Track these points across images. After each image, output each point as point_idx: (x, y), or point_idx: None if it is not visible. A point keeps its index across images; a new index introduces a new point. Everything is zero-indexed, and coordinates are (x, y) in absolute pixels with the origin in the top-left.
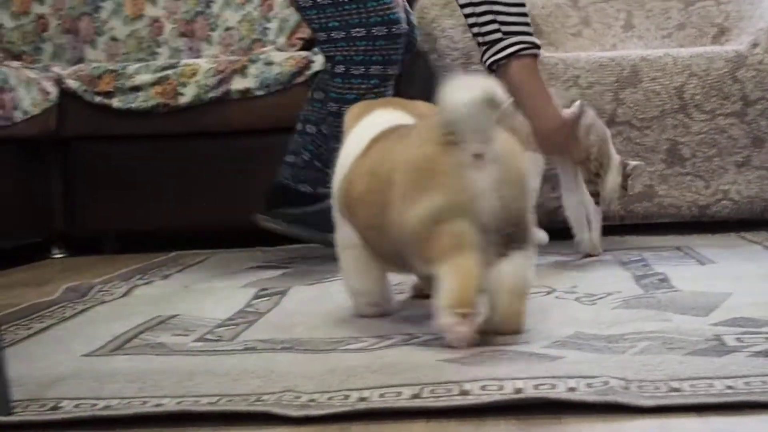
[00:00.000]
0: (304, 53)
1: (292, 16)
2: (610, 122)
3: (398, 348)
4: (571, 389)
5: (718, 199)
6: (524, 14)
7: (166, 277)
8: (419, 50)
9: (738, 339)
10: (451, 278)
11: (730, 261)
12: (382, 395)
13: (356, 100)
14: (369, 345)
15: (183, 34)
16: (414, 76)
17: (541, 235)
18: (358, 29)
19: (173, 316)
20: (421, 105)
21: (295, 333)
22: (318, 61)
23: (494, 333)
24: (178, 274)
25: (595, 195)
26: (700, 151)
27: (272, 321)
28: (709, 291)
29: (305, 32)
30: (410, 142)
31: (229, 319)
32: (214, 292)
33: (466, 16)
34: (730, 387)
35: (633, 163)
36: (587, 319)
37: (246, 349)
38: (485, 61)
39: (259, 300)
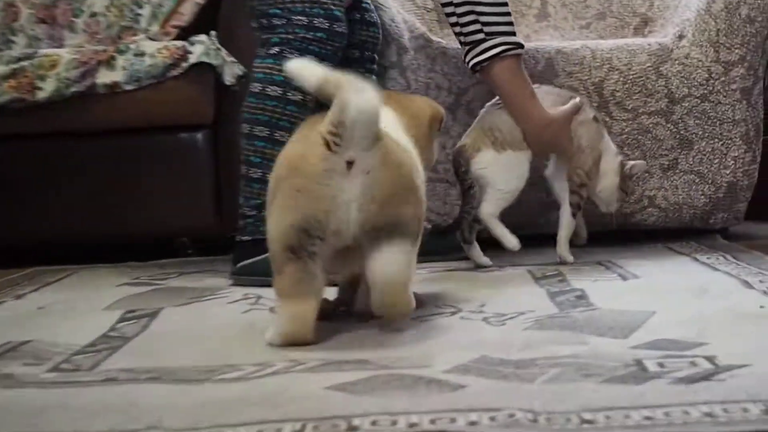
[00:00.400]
0: (179, 43)
1: (167, 1)
2: None
3: (281, 376)
4: (473, 423)
5: (644, 207)
6: (507, 13)
7: (19, 296)
8: None
9: (659, 364)
10: (286, 322)
11: (656, 275)
12: None
13: (283, 83)
14: (247, 373)
15: (42, 21)
16: None
17: (513, 242)
18: (300, 17)
19: (25, 343)
20: (417, 100)
21: (164, 361)
22: (196, 52)
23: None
24: (34, 293)
25: (575, 206)
26: (623, 154)
27: (138, 347)
28: (630, 309)
29: (181, 19)
30: (297, 137)
31: (90, 345)
32: (73, 314)
33: (448, 15)
34: (648, 418)
35: (632, 162)
36: (495, 342)
37: (107, 379)
38: (468, 62)
39: (125, 323)
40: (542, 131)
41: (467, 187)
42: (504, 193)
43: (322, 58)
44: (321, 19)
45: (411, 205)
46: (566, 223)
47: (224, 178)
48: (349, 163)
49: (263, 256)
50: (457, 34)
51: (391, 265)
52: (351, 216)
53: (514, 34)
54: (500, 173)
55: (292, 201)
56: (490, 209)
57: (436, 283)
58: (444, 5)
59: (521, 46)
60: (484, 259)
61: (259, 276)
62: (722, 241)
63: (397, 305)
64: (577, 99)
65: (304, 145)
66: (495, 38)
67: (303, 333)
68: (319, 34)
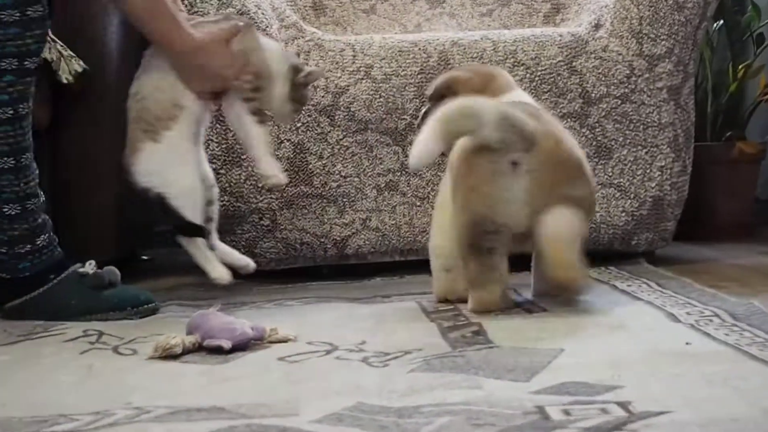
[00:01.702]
0: None
1: None
2: (413, 125)
3: (121, 427)
4: None
5: None
6: None
7: None
8: None
9: (565, 411)
10: (474, 305)
11: (567, 307)
12: None
13: None
14: (83, 424)
15: None
16: None
17: (220, 272)
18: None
19: None
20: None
21: None
22: None
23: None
24: None
25: (258, 113)
26: None
27: None
28: (534, 348)
29: None
30: None
31: None
32: None
33: None
34: None
35: (308, 68)
36: (374, 386)
37: None
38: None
39: None
40: (191, 57)
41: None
42: (186, 198)
43: (21, 57)
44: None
45: (578, 189)
46: (256, 134)
47: (62, 189)
48: (514, 164)
49: (31, 296)
50: None
51: (559, 221)
52: (521, 211)
53: None
54: (168, 171)
55: (466, 200)
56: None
57: (309, 315)
58: None
59: None
60: (219, 271)
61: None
62: (646, 266)
63: (569, 269)
64: (240, 23)
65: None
66: None
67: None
68: (12, 31)
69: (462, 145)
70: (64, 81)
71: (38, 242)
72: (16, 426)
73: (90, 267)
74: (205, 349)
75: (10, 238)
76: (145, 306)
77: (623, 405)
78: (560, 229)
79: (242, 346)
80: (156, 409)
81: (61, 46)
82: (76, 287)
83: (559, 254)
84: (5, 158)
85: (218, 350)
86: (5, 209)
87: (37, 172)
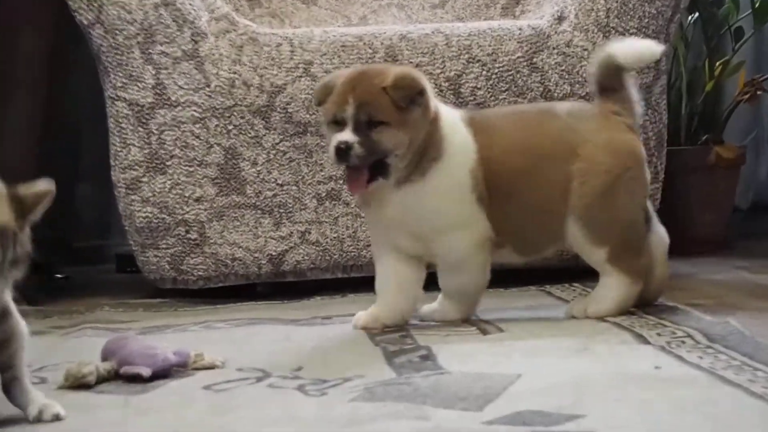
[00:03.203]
0: None
1: None
2: None
3: None
4: None
5: None
6: None
7: None
8: (79, 25)
9: None
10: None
11: (525, 327)
12: None
13: None
14: None
15: None
16: (76, 60)
17: None
18: None
19: None
20: None
21: None
22: None
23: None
24: None
25: None
26: None
27: None
28: (489, 372)
29: None
30: (601, 124)
31: None
32: None
33: None
34: None
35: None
36: (311, 417)
37: None
38: None
39: None
40: None
41: None
42: None
43: None
44: None
45: None
46: None
47: None
48: None
49: None
50: None
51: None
52: None
53: None
54: None
55: (637, 187)
56: None
57: (240, 338)
58: None
59: None
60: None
61: None
62: None
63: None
64: None
65: (622, 133)
66: None
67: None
68: None
69: None
70: None
71: None
72: None
73: None
74: (122, 378)
75: None
76: None
77: None
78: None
79: (164, 373)
80: None
81: None
82: None
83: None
84: None
85: (137, 378)
86: None
87: None
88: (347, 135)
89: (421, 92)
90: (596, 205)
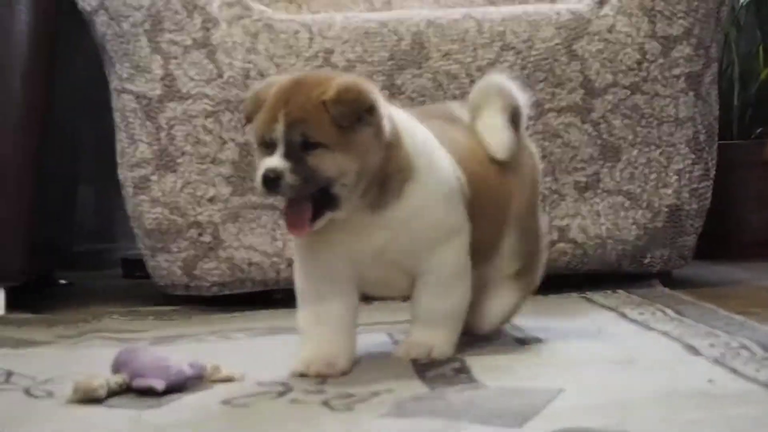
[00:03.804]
0: None
1: None
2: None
3: None
4: None
5: (552, 241)
6: None
7: None
8: (81, 11)
9: None
10: None
11: (566, 338)
12: None
13: None
14: None
15: None
16: (77, 49)
17: None
18: None
19: None
20: None
21: None
22: None
23: None
24: None
25: None
26: None
27: None
28: (528, 387)
29: None
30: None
31: None
32: None
33: None
34: None
35: None
36: None
37: None
38: None
39: None
40: None
41: None
42: None
43: None
44: None
45: None
46: None
47: None
48: None
49: None
50: None
51: None
52: None
53: None
54: None
55: None
56: None
57: (259, 349)
58: None
59: None
60: None
61: None
62: (661, 289)
63: None
64: None
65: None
66: None
67: None
68: None
69: None
70: None
71: None
72: None
73: None
74: (134, 391)
75: None
76: None
77: None
78: None
79: (178, 386)
80: None
81: None
82: None
83: None
84: None
85: (150, 392)
86: None
87: None
88: (276, 161)
89: (371, 109)
90: (527, 218)
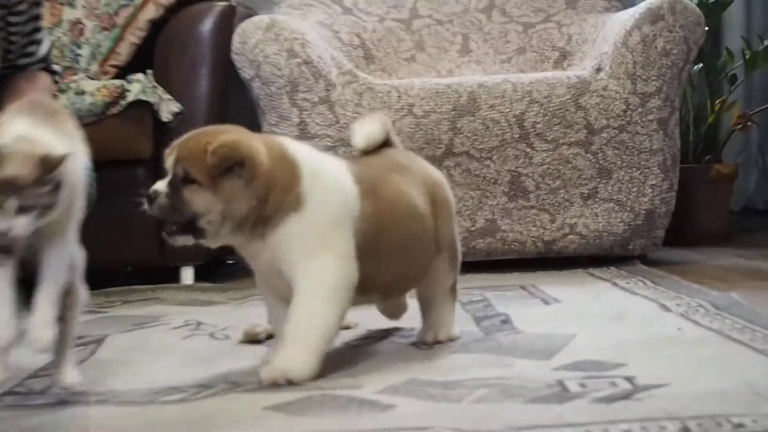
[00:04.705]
0: (117, 82)
1: (105, 41)
2: (447, 153)
3: (220, 398)
4: None
5: (565, 234)
6: None
7: None
8: (242, 79)
9: (581, 384)
10: None
11: (577, 300)
12: None
13: None
14: (189, 395)
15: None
16: (238, 106)
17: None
18: None
19: None
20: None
21: (111, 384)
22: (134, 90)
23: None
24: None
25: None
26: (544, 183)
27: (87, 372)
28: (552, 333)
29: (119, 59)
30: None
31: (41, 369)
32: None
33: None
34: None
35: None
36: (423, 365)
37: (58, 402)
38: None
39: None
40: None
41: None
42: None
43: None
44: None
45: None
46: None
47: None
48: None
49: None
50: None
51: None
52: None
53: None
54: None
55: None
56: None
57: (367, 309)
58: None
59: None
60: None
61: None
62: (641, 267)
63: None
64: None
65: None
66: None
67: None
68: None
69: None
70: (164, 119)
71: None
72: (136, 396)
73: None
74: None
75: None
76: None
77: (629, 379)
78: None
79: None
80: (248, 383)
81: (162, 91)
82: None
83: None
84: None
85: None
86: None
87: None
88: (160, 184)
89: (241, 163)
90: (449, 238)
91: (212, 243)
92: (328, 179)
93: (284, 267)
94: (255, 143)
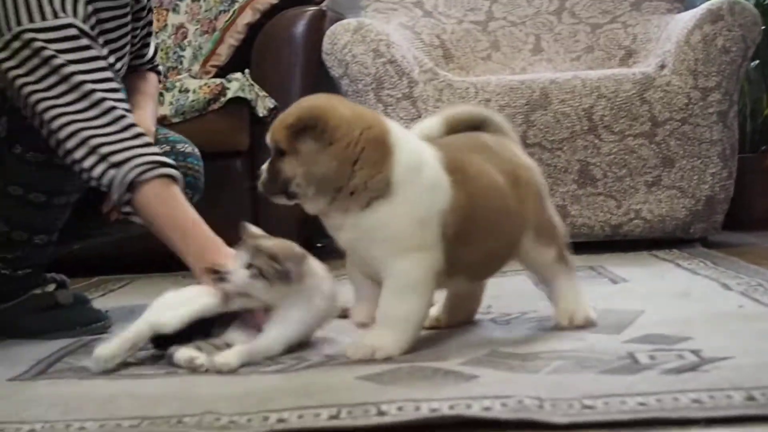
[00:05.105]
0: (218, 80)
1: (206, 44)
2: (521, 144)
3: (316, 369)
4: (486, 409)
5: (630, 219)
6: (138, 135)
7: None
8: (332, 77)
9: (650, 356)
10: None
11: (642, 279)
12: (300, 416)
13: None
14: (287, 366)
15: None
16: None
17: None
18: None
19: (95, 340)
20: None
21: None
22: (233, 88)
23: None
24: (102, 298)
25: None
26: (611, 172)
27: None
28: (621, 309)
29: (219, 60)
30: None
31: (149, 343)
32: (135, 316)
33: (73, 163)
34: (641, 404)
35: None
36: (502, 338)
37: (167, 372)
38: (120, 209)
39: None
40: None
41: None
42: None
43: None
44: None
45: None
46: None
47: (261, 198)
48: None
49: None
50: (94, 184)
51: None
52: None
53: (155, 154)
54: None
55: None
56: None
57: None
58: (65, 155)
59: (169, 164)
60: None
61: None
62: (702, 249)
63: None
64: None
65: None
66: (127, 164)
67: None
68: None
69: None
70: (260, 114)
71: (19, 272)
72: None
73: (42, 289)
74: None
75: (5, 258)
76: (95, 325)
77: (695, 352)
78: None
79: None
80: (341, 356)
81: (258, 88)
82: (28, 309)
83: None
84: (38, 193)
85: None
86: (14, 234)
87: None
88: (265, 164)
89: (314, 126)
90: (539, 215)
91: (307, 207)
92: (423, 175)
93: (371, 255)
94: (337, 110)
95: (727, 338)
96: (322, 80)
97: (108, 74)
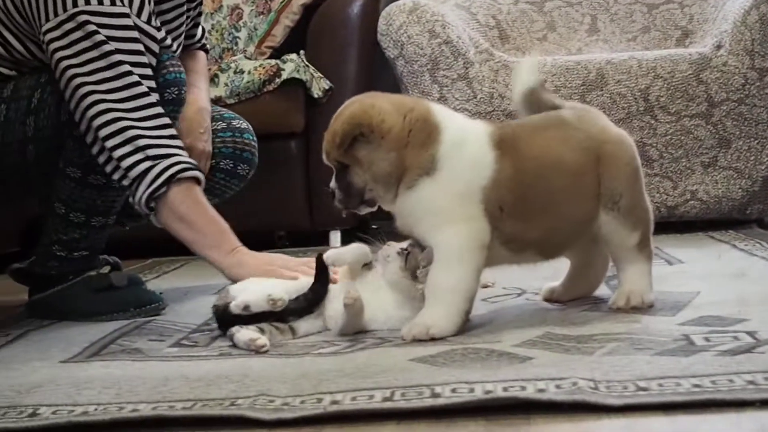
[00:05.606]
0: (273, 61)
1: (261, 24)
2: None
3: (370, 351)
4: (541, 390)
5: (686, 200)
6: (174, 136)
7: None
8: (387, 58)
9: (705, 338)
10: None
11: (699, 260)
12: (353, 398)
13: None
14: (341, 348)
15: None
16: (382, 83)
17: None
18: None
19: (149, 322)
20: None
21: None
22: (288, 69)
23: None
24: (156, 279)
25: None
26: (667, 152)
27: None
28: (676, 291)
29: (274, 41)
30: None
31: (205, 324)
32: (189, 298)
33: (97, 154)
34: (696, 386)
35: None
36: (557, 320)
37: (221, 354)
38: (140, 200)
39: None
40: (248, 267)
41: None
42: None
43: None
44: None
45: None
46: None
47: (314, 179)
48: None
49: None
50: (119, 179)
51: None
52: None
53: (185, 155)
54: None
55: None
56: None
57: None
58: (94, 147)
59: (197, 167)
60: None
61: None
62: (758, 230)
63: None
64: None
65: (614, 126)
66: (165, 160)
67: None
68: None
69: None
70: (315, 96)
71: (75, 254)
72: (293, 348)
73: (97, 271)
74: None
75: (61, 240)
76: (149, 306)
77: (751, 334)
78: None
79: None
80: (394, 339)
81: (313, 70)
82: (82, 291)
83: None
84: (97, 175)
85: None
86: (71, 215)
87: (117, 204)
88: (332, 182)
89: (362, 132)
90: (623, 195)
91: (385, 206)
92: (466, 150)
93: (419, 232)
94: (375, 106)
95: None
96: (376, 61)
97: (150, 71)
